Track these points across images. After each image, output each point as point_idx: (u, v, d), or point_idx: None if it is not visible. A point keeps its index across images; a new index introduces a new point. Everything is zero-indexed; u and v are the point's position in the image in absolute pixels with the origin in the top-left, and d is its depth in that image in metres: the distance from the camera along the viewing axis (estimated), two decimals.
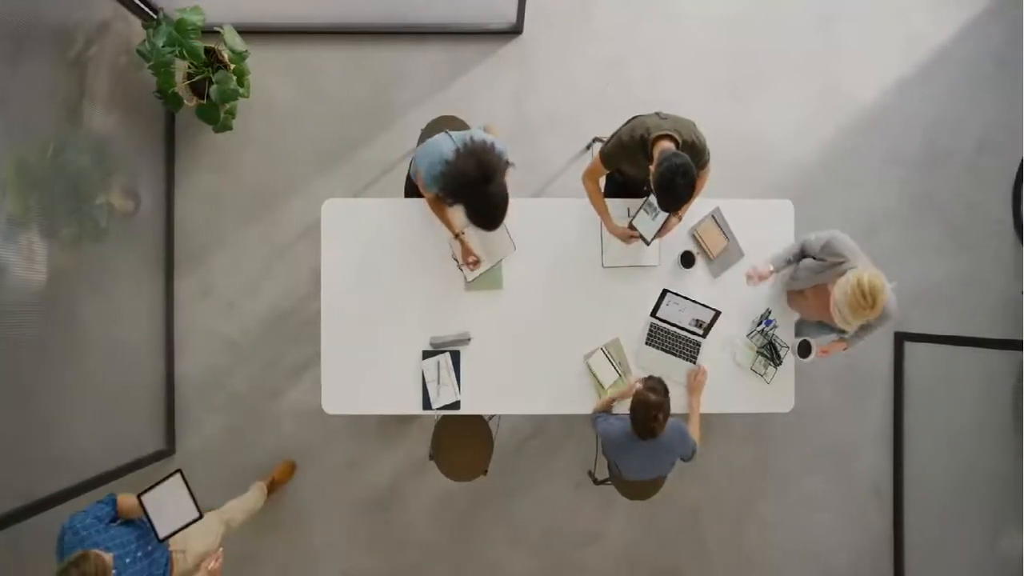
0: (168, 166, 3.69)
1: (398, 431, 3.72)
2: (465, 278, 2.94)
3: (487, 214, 2.42)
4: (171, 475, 2.48)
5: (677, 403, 2.83)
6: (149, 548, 2.47)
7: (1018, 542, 3.66)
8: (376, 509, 3.73)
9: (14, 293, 2.71)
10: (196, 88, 3.45)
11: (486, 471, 3.14)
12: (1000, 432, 3.79)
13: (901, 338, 3.76)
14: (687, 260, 2.96)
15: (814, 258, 2.66)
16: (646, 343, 2.96)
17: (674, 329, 2.95)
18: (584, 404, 2.94)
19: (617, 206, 2.92)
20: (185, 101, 3.46)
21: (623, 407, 2.88)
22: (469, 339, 2.93)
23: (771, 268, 2.75)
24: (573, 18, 3.80)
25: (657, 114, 2.56)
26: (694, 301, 2.86)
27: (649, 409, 2.45)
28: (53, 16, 2.94)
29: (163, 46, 3.20)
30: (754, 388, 2.98)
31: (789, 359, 2.98)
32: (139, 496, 2.42)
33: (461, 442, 3.11)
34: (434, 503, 3.74)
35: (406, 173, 3.07)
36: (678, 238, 2.95)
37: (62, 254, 2.99)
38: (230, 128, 3.53)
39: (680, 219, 2.81)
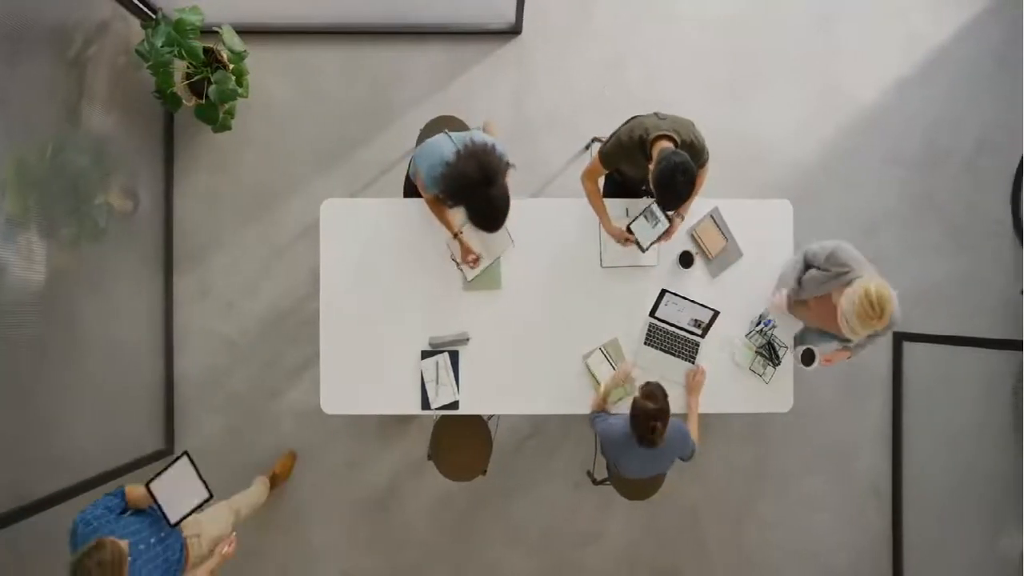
0: (167, 166, 3.69)
1: (397, 431, 3.72)
2: (465, 278, 2.94)
3: (489, 216, 2.41)
4: (178, 458, 2.50)
5: (676, 403, 2.83)
6: (162, 534, 2.49)
7: (1017, 542, 3.66)
8: (375, 509, 3.73)
9: (13, 293, 2.71)
10: (195, 88, 3.45)
11: (485, 471, 3.15)
12: (999, 432, 3.79)
13: (900, 338, 3.76)
14: (686, 260, 2.96)
15: (818, 268, 2.64)
16: (645, 343, 2.96)
17: (673, 329, 2.95)
18: (583, 404, 2.94)
19: (616, 206, 2.92)
20: (184, 101, 3.46)
21: (623, 407, 2.89)
22: (468, 339, 2.93)
23: (785, 292, 2.73)
24: (572, 18, 3.80)
25: (656, 114, 2.56)
26: (693, 301, 2.86)
27: (648, 419, 2.43)
28: (52, 16, 2.94)
29: (162, 46, 3.20)
30: (753, 388, 2.98)
31: (788, 359, 2.97)
32: (147, 485, 2.44)
33: (460, 442, 3.11)
34: (433, 503, 3.74)
35: (405, 173, 3.07)
36: (677, 238, 2.95)
37: (61, 254, 3.00)
38: (229, 128, 3.53)
39: (683, 218, 2.81)
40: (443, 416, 3.09)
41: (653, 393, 2.48)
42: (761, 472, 3.79)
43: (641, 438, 2.47)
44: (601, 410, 2.84)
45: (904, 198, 3.83)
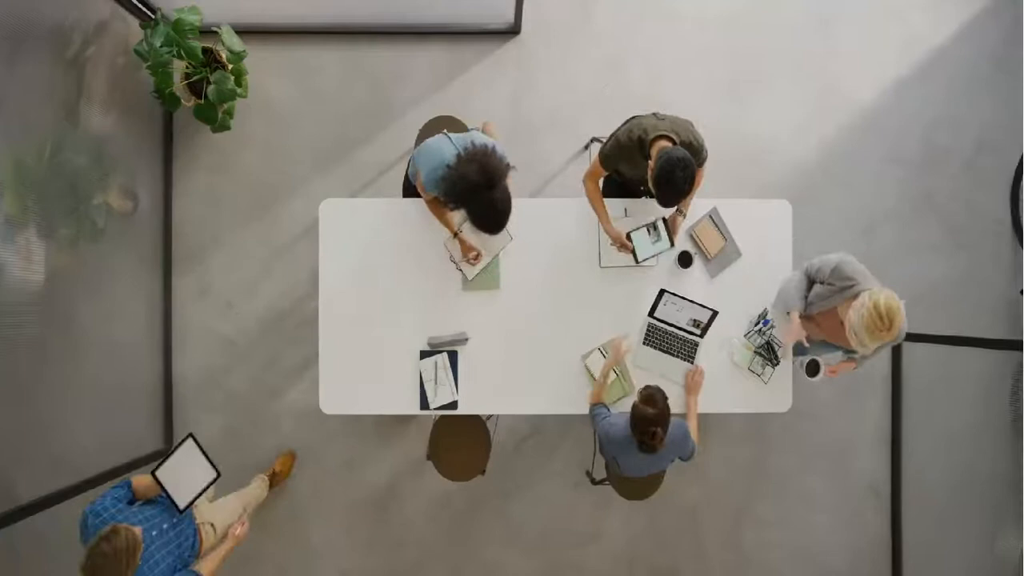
0: (166, 166, 3.69)
1: (396, 431, 3.72)
2: (465, 277, 2.93)
3: (491, 219, 2.40)
4: (183, 441, 2.51)
5: (675, 403, 2.83)
6: (174, 520, 2.52)
7: (1016, 542, 3.66)
8: (374, 509, 3.73)
9: (12, 293, 2.72)
10: (194, 88, 3.45)
11: (484, 471, 3.15)
12: (998, 433, 3.79)
13: None
14: (685, 260, 2.96)
15: (821, 283, 2.63)
16: (643, 343, 2.96)
17: (672, 329, 2.95)
18: (582, 404, 2.93)
19: (615, 206, 2.92)
20: (183, 101, 3.46)
21: (622, 406, 2.88)
22: (466, 339, 2.93)
23: (795, 315, 2.70)
24: (571, 18, 3.80)
25: (654, 114, 2.56)
26: (691, 301, 2.86)
27: (648, 424, 2.40)
28: (51, 16, 2.94)
29: (161, 46, 3.20)
30: (752, 388, 2.98)
31: (786, 359, 2.97)
32: (153, 473, 2.44)
33: (459, 442, 3.11)
34: (432, 503, 3.74)
35: (404, 173, 3.07)
36: (677, 238, 2.95)
37: (60, 254, 3.00)
38: (228, 128, 3.53)
39: (684, 215, 2.81)
40: (442, 416, 3.09)
41: (653, 397, 2.45)
42: (760, 472, 3.79)
43: (642, 444, 2.45)
44: (600, 401, 2.81)
45: (903, 198, 3.83)
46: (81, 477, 2.96)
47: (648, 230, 2.81)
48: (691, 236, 2.98)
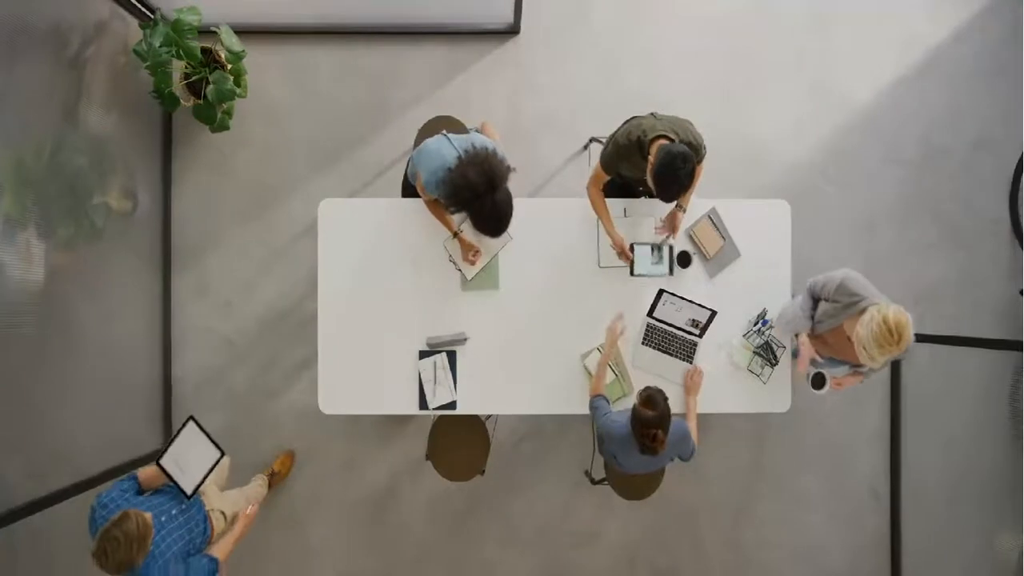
0: (165, 166, 3.69)
1: (395, 431, 3.72)
2: (464, 277, 2.94)
3: (493, 222, 2.40)
4: (184, 425, 2.52)
5: (674, 403, 2.82)
6: (183, 506, 2.54)
7: (1015, 542, 3.67)
8: (373, 509, 3.73)
9: (12, 293, 2.72)
10: (193, 88, 3.45)
11: (483, 471, 3.15)
12: (997, 432, 3.79)
13: None
14: (684, 260, 2.96)
15: (826, 300, 2.64)
16: (642, 343, 2.96)
17: (670, 329, 2.95)
18: (581, 404, 2.94)
19: (614, 206, 2.92)
20: (182, 101, 3.46)
21: (621, 405, 2.88)
22: (465, 339, 2.93)
23: (804, 337, 2.71)
24: (570, 18, 3.80)
25: (653, 115, 2.57)
26: (690, 301, 2.87)
27: (648, 427, 2.38)
28: (50, 16, 2.94)
29: (160, 46, 3.20)
30: (751, 388, 2.98)
31: (785, 359, 2.98)
32: (157, 461, 2.46)
33: (458, 442, 3.11)
34: (431, 503, 3.74)
35: (403, 173, 3.07)
36: (675, 238, 2.95)
37: (59, 254, 3.00)
38: (227, 128, 3.53)
39: (684, 211, 2.81)
40: (441, 416, 3.10)
41: (653, 399, 2.43)
42: (759, 472, 3.79)
43: (643, 447, 2.43)
44: (599, 393, 2.79)
45: (902, 198, 3.83)
46: (81, 476, 2.96)
47: (653, 249, 2.84)
48: (690, 236, 2.98)
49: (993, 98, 3.83)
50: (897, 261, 3.81)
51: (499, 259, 2.95)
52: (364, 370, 2.93)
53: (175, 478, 2.49)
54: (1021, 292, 3.78)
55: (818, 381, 2.76)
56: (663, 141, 2.46)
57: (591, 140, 3.70)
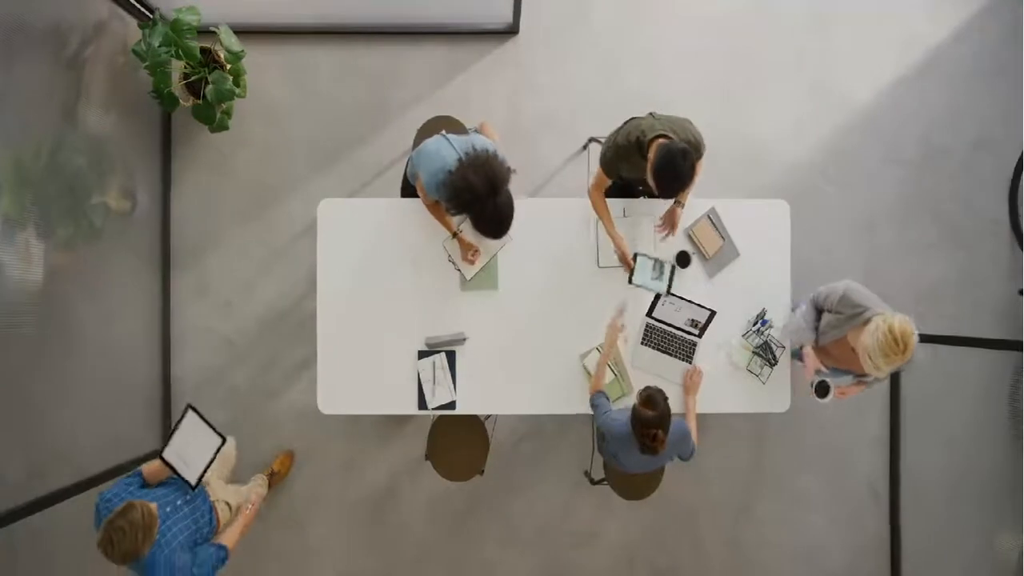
0: (164, 166, 3.69)
1: (394, 431, 3.72)
2: (464, 277, 2.93)
3: (495, 224, 2.39)
4: (183, 415, 2.52)
5: (673, 403, 2.82)
6: (188, 497, 2.55)
7: (1015, 542, 3.67)
8: (372, 509, 3.73)
9: (11, 293, 2.72)
10: (192, 88, 3.45)
11: (482, 471, 3.15)
12: (997, 432, 3.79)
13: None
14: (683, 260, 2.96)
15: (830, 312, 2.65)
16: (642, 343, 2.96)
17: (670, 329, 2.95)
18: (580, 404, 2.93)
19: (614, 206, 2.91)
20: (181, 101, 3.45)
21: (620, 405, 2.88)
22: (465, 339, 2.93)
23: (809, 349, 2.72)
24: (569, 18, 3.80)
25: (651, 115, 2.56)
26: (689, 301, 2.87)
27: (648, 427, 2.38)
28: (49, 16, 2.94)
29: (159, 46, 3.20)
30: (750, 388, 2.98)
31: (785, 359, 2.98)
32: (160, 455, 2.47)
33: (457, 442, 3.11)
34: (430, 503, 3.74)
35: (402, 173, 3.07)
36: (674, 238, 2.95)
37: (59, 254, 3.00)
38: (226, 128, 3.53)
39: (683, 206, 2.81)
40: (440, 416, 3.10)
41: (653, 399, 2.42)
42: (759, 472, 3.79)
43: (643, 447, 2.43)
44: (600, 389, 2.79)
45: (902, 198, 3.83)
46: (81, 476, 2.96)
47: (655, 264, 2.84)
48: (689, 236, 2.98)
49: (993, 98, 3.83)
50: (897, 261, 3.81)
51: (498, 259, 2.95)
52: (363, 370, 2.93)
53: (179, 470, 2.50)
54: (1021, 292, 3.78)
55: (822, 390, 2.76)
56: (662, 140, 2.45)
57: (590, 140, 3.70)
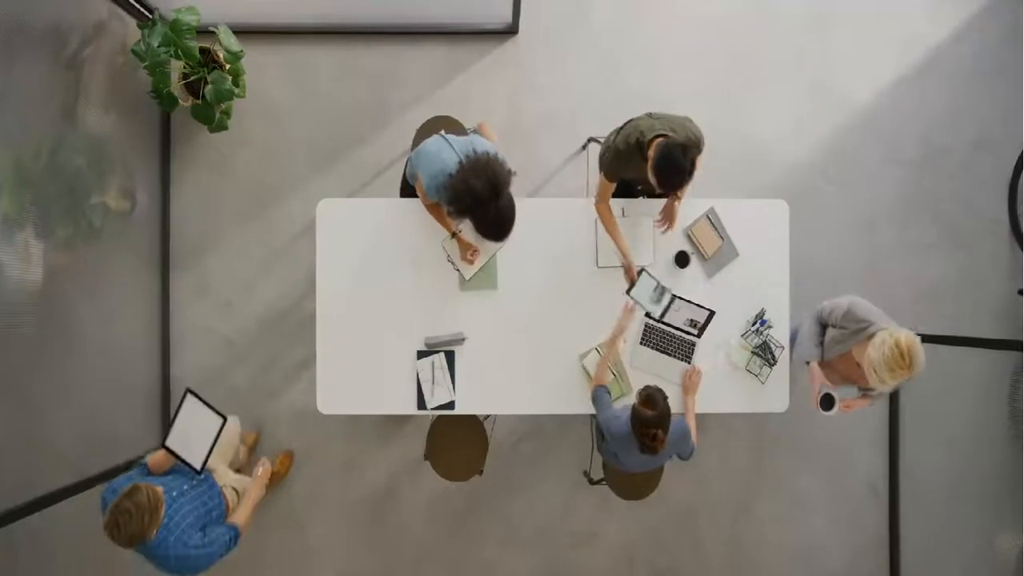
0: (164, 166, 3.69)
1: (393, 431, 3.72)
2: (463, 277, 2.93)
3: (497, 227, 2.38)
4: (183, 399, 2.52)
5: (672, 403, 2.82)
6: (194, 482, 2.55)
7: (1014, 542, 3.66)
8: (372, 509, 3.73)
9: (10, 293, 2.72)
10: (191, 88, 3.45)
11: (481, 471, 3.15)
12: (997, 432, 3.79)
13: None
14: (682, 260, 2.96)
15: (834, 327, 2.65)
16: (641, 343, 2.96)
17: (669, 329, 2.95)
18: (579, 404, 2.94)
19: (613, 206, 2.90)
20: (180, 101, 3.46)
21: (623, 403, 2.88)
22: (464, 339, 2.93)
23: (815, 364, 2.73)
24: (569, 18, 3.80)
25: (649, 115, 2.56)
26: (688, 301, 2.86)
27: (648, 427, 2.38)
28: (48, 16, 2.94)
29: (158, 46, 3.20)
30: (749, 388, 2.98)
31: (784, 359, 2.98)
32: (164, 445, 2.47)
33: (456, 442, 3.11)
34: (430, 503, 3.74)
35: (402, 173, 3.06)
36: (673, 238, 2.95)
37: (58, 254, 3.00)
38: (226, 128, 3.53)
39: (680, 199, 2.80)
40: (439, 416, 3.10)
41: (652, 398, 2.42)
42: (758, 472, 3.79)
43: (643, 446, 2.43)
44: (602, 383, 2.78)
45: (902, 198, 3.83)
46: (80, 476, 2.96)
47: (657, 285, 2.83)
48: (688, 236, 2.97)
49: (993, 98, 3.83)
50: (897, 261, 3.80)
51: (497, 259, 2.95)
52: (362, 370, 2.93)
53: (183, 457, 2.50)
54: (1020, 292, 3.77)
55: (827, 402, 2.76)
56: (662, 139, 2.45)
57: (590, 140, 3.70)
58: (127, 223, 3.48)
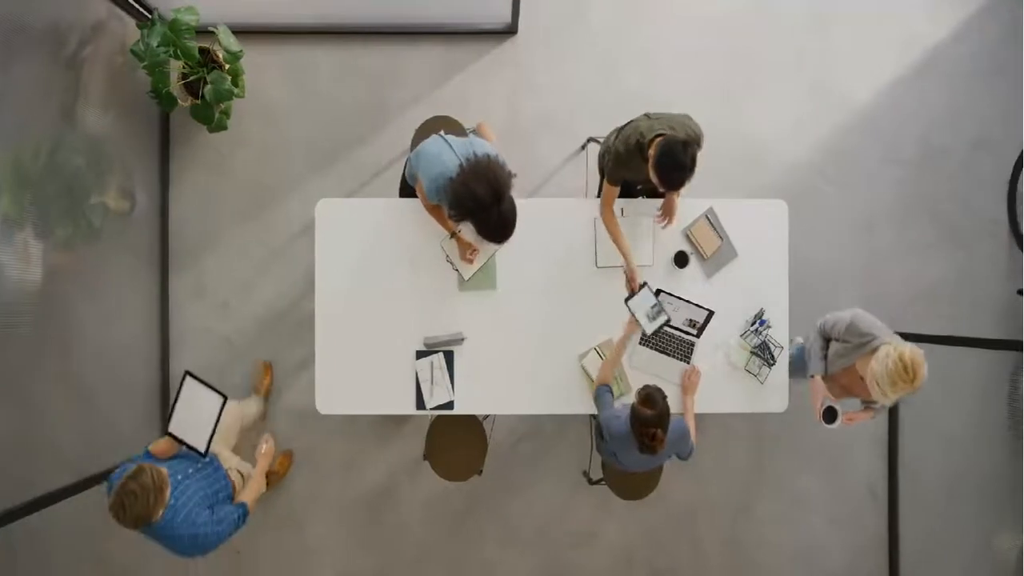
0: (163, 166, 3.69)
1: (392, 431, 3.72)
2: (462, 277, 2.93)
3: (499, 230, 2.37)
4: (182, 383, 2.53)
5: (672, 403, 2.82)
6: (199, 465, 2.56)
7: (1014, 542, 3.67)
8: (371, 509, 3.73)
9: (9, 293, 2.72)
10: (191, 88, 3.45)
11: (481, 471, 3.15)
12: (996, 432, 3.79)
13: None
14: (681, 260, 2.96)
15: (837, 340, 2.66)
16: (640, 343, 2.96)
17: (668, 329, 2.94)
18: (578, 404, 2.94)
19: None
20: (180, 101, 3.46)
21: (624, 400, 2.88)
22: (463, 339, 2.93)
23: (819, 378, 2.74)
24: (568, 18, 3.80)
25: (647, 115, 2.56)
26: (688, 301, 2.87)
27: (647, 426, 2.38)
28: (47, 16, 2.95)
29: (157, 46, 3.20)
30: (748, 388, 2.98)
31: (783, 359, 2.98)
32: (167, 432, 2.49)
33: (455, 442, 3.11)
34: (429, 503, 3.74)
35: (401, 173, 3.06)
36: (672, 238, 2.95)
37: (57, 254, 3.00)
38: (225, 128, 3.53)
39: (679, 193, 2.78)
40: (438, 416, 3.10)
41: (651, 397, 2.42)
42: (758, 472, 3.79)
43: (642, 446, 2.43)
44: (605, 382, 2.78)
45: (901, 198, 3.83)
46: (80, 476, 2.95)
47: (656, 305, 2.83)
48: (687, 236, 2.97)
49: (992, 98, 3.83)
50: (896, 261, 3.80)
51: (496, 259, 2.95)
52: (361, 370, 2.93)
53: (187, 441, 2.50)
54: (1019, 292, 3.77)
55: (830, 415, 2.76)
56: (662, 138, 2.45)
57: (589, 140, 3.70)
58: (126, 223, 3.48)
